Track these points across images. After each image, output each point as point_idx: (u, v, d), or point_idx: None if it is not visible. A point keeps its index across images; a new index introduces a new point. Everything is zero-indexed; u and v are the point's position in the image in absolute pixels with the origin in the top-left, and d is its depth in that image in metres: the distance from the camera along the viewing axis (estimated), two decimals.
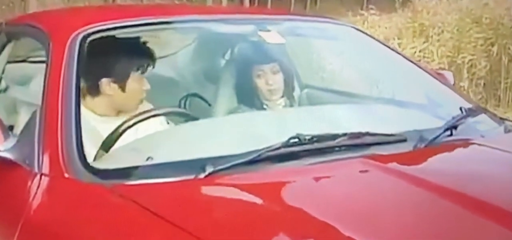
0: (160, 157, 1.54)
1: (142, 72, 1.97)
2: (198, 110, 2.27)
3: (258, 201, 1.43)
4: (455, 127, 1.78)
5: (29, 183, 1.50)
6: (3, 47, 2.20)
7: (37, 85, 1.86)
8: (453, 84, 2.33)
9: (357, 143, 1.63)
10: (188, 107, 2.42)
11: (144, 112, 1.81)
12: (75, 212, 1.42)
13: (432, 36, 5.77)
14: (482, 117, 1.95)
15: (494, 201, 1.37)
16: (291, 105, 2.29)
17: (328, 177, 1.56)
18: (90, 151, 1.62)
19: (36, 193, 1.47)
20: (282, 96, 2.29)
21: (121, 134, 1.70)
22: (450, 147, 1.72)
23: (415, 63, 2.27)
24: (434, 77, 2.17)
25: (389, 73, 2.20)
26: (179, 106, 2.38)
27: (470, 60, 5.53)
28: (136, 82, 1.95)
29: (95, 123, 1.85)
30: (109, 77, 1.92)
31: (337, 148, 1.61)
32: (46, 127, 1.57)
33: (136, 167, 1.51)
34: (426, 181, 1.45)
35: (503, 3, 5.87)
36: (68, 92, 1.62)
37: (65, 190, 1.48)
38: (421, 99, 2.07)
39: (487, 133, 1.85)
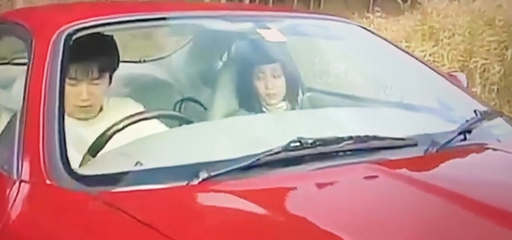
0: (150, 162, 1.51)
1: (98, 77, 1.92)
2: (193, 114, 2.25)
3: (256, 209, 1.40)
4: (469, 131, 1.75)
5: (7, 190, 1.47)
6: None
7: (20, 87, 1.82)
8: (466, 86, 2.29)
9: (364, 147, 1.60)
10: (183, 112, 2.40)
11: (135, 114, 1.79)
12: (57, 221, 1.39)
13: (442, 40, 5.74)
14: (498, 120, 1.92)
15: None
16: (293, 109, 2.27)
17: (332, 183, 1.53)
18: (75, 156, 1.59)
19: (15, 201, 1.44)
20: (284, 100, 2.27)
21: (109, 138, 1.67)
22: (464, 152, 1.70)
23: (425, 64, 2.24)
24: (446, 79, 2.14)
25: (398, 74, 2.17)
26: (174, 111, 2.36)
27: (483, 64, 5.49)
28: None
29: (80, 127, 1.82)
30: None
31: (341, 153, 1.58)
32: (27, 130, 1.54)
33: (123, 173, 1.48)
34: (438, 188, 1.42)
35: None
36: (51, 93, 1.59)
37: (46, 198, 1.45)
38: (432, 101, 2.04)
39: (504, 138, 1.82)
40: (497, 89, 5.59)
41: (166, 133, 1.78)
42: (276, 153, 1.51)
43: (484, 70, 5.49)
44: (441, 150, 1.65)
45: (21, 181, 1.47)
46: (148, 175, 1.46)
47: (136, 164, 1.49)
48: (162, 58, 2.98)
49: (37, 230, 1.39)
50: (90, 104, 1.94)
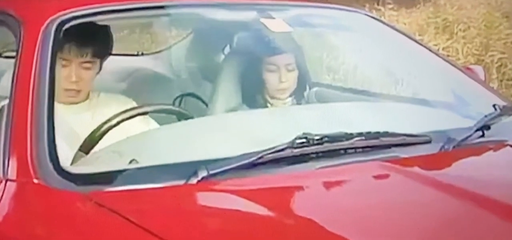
0: (145, 160, 1.49)
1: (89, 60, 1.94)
2: (193, 110, 2.22)
3: (260, 211, 1.37)
4: (488, 127, 1.72)
5: None
6: None
7: (8, 81, 1.79)
8: (484, 80, 2.25)
9: (375, 144, 1.57)
10: (183, 108, 2.37)
11: (130, 109, 1.77)
12: (45, 224, 1.36)
13: (457, 33, 5.70)
14: None
15: None
16: (299, 105, 2.24)
17: (341, 183, 1.50)
18: (67, 153, 1.56)
19: (0, 201, 1.41)
20: (290, 95, 2.24)
21: (103, 135, 1.65)
22: (482, 149, 1.66)
23: (440, 56, 2.21)
24: (463, 72, 2.10)
25: (411, 67, 2.14)
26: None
27: (500, 58, 5.44)
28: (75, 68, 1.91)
29: (65, 114, 1.81)
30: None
31: (351, 150, 1.55)
32: (14, 125, 1.51)
33: (117, 172, 1.45)
34: (455, 188, 1.38)
35: None
36: (40, 86, 1.56)
37: (34, 198, 1.42)
38: (447, 96, 2.01)
39: None
40: None
41: (163, 129, 1.76)
42: (281, 150, 1.49)
43: (501, 65, 5.44)
44: (457, 148, 1.61)
45: (7, 180, 1.45)
46: (144, 174, 1.44)
47: (130, 162, 1.47)
48: (160, 51, 2.98)
49: (25, 232, 1.37)
50: (78, 89, 1.94)
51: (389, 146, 1.57)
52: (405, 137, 1.61)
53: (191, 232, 1.27)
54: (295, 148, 1.50)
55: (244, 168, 1.44)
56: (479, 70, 2.30)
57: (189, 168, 1.42)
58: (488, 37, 5.59)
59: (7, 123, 1.52)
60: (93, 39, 1.93)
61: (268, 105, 2.19)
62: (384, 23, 2.31)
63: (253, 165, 1.45)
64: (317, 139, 1.52)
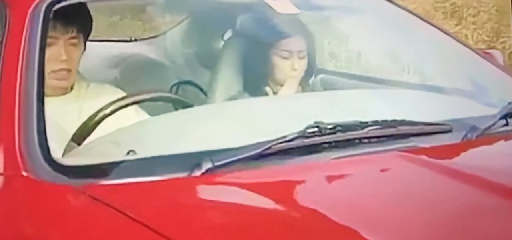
0: (144, 151, 1.45)
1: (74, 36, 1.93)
2: (191, 100, 2.18)
3: (268, 205, 1.34)
4: None
5: None
6: None
7: None
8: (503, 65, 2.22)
9: (391, 133, 1.54)
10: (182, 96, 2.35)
11: (126, 96, 1.74)
12: (35, 219, 1.33)
13: (466, 18, 5.67)
14: None
15: None
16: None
17: (356, 175, 1.46)
18: (57, 144, 1.52)
19: None
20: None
21: (97, 124, 1.62)
22: (508, 138, 1.62)
23: (458, 40, 2.16)
24: (481, 57, 2.07)
25: (427, 52, 2.10)
26: None
27: None
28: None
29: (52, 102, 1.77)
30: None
31: (366, 140, 1.52)
32: (1, 115, 1.47)
33: (113, 163, 1.42)
34: (481, 179, 1.35)
35: None
36: (28, 72, 1.52)
37: (22, 192, 1.39)
38: (466, 82, 1.98)
39: None
40: None
41: (163, 117, 1.73)
42: (291, 140, 1.45)
43: None
44: (480, 137, 1.57)
45: None
46: (142, 166, 1.41)
47: (128, 153, 1.43)
48: (155, 36, 2.95)
49: (13, 229, 1.33)
50: (67, 67, 1.92)
51: (406, 135, 1.54)
52: (424, 126, 1.57)
53: (195, 229, 1.24)
54: (306, 137, 1.47)
55: (252, 159, 1.41)
56: (497, 54, 2.26)
57: (192, 160, 1.39)
58: (499, 22, 5.56)
59: None
60: (75, 15, 1.92)
61: (273, 93, 2.15)
62: (395, 4, 2.27)
63: (261, 156, 1.42)
64: (330, 128, 1.49)
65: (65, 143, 1.60)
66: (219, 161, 1.38)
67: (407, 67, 2.19)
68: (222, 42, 2.65)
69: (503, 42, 5.43)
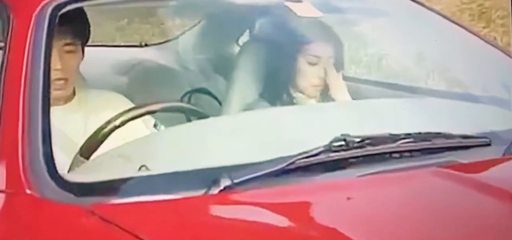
0: (157, 167, 1.43)
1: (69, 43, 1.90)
2: (206, 108, 2.16)
3: (291, 227, 1.32)
4: None
5: None
6: None
7: None
8: None
9: (426, 147, 1.50)
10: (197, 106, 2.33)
11: (137, 106, 1.72)
12: None
13: (494, 20, 5.62)
14: None
15: None
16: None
17: (387, 195, 1.42)
18: (62, 159, 1.49)
19: None
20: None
21: (106, 137, 1.59)
22: None
23: (492, 44, 2.12)
24: None
25: (458, 57, 2.06)
26: None
27: None
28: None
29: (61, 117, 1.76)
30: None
31: (397, 154, 1.48)
32: (2, 126, 1.45)
33: (124, 180, 1.39)
34: None
35: None
36: (33, 81, 1.49)
37: (26, 212, 1.36)
38: (503, 90, 1.92)
39: None
40: None
41: (177, 129, 1.69)
42: (316, 154, 1.42)
43: None
44: None
45: None
46: (156, 183, 1.38)
47: (140, 169, 1.41)
48: (166, 41, 2.94)
49: None
50: (64, 78, 1.88)
51: (442, 149, 1.50)
52: (461, 139, 1.53)
53: None
54: (332, 152, 1.43)
55: (274, 175, 1.38)
56: None
57: (209, 176, 1.36)
58: None
59: None
60: (71, 20, 1.87)
61: (295, 103, 2.11)
62: (422, 5, 2.23)
63: (283, 172, 1.39)
64: (358, 142, 1.45)
65: (71, 157, 1.57)
66: (238, 177, 1.36)
67: (437, 73, 2.16)
68: (238, 48, 2.65)
69: None
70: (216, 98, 2.41)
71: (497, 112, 1.83)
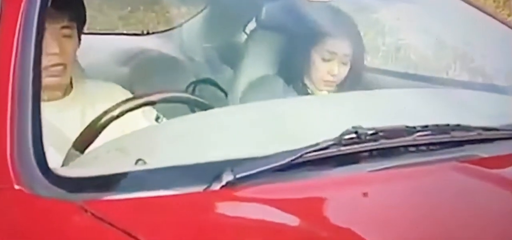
0: (155, 160, 1.41)
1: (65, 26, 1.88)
2: (211, 99, 2.15)
3: (298, 226, 1.30)
4: None
5: None
6: None
7: None
8: None
9: (444, 140, 1.48)
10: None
11: (136, 97, 1.70)
12: None
13: None
14: None
15: None
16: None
17: (402, 191, 1.40)
18: (54, 154, 1.47)
19: None
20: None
21: (102, 129, 1.58)
22: None
23: None
24: None
25: (482, 46, 2.03)
26: None
27: None
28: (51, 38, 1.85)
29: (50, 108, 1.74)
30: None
31: (413, 148, 1.47)
32: None
33: (119, 175, 1.37)
34: None
35: None
36: (23, 67, 1.45)
37: (15, 209, 1.33)
38: None
39: None
40: None
41: (177, 121, 1.68)
42: (325, 148, 1.40)
43: None
44: None
45: None
46: (153, 178, 1.36)
47: (136, 163, 1.39)
48: (170, 29, 2.95)
49: None
50: (63, 63, 1.86)
51: (462, 142, 1.49)
52: (482, 131, 1.51)
53: None
54: (343, 145, 1.41)
55: (279, 170, 1.36)
56: None
57: (210, 171, 1.34)
58: None
59: None
60: (67, 2, 1.87)
61: (304, 94, 2.10)
62: None
63: (290, 167, 1.37)
64: (370, 134, 1.43)
65: (65, 150, 1.55)
66: (241, 172, 1.33)
67: (460, 63, 2.13)
68: (245, 36, 2.65)
69: None
70: (222, 89, 2.42)
71: None
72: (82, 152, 1.54)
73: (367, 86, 2.28)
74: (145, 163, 1.39)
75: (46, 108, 1.54)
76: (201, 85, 2.46)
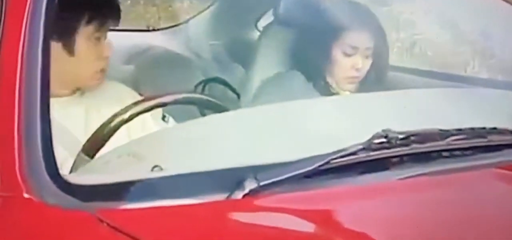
0: (172, 167, 1.38)
1: (98, 29, 1.92)
2: (222, 100, 2.13)
3: (326, 236, 1.27)
4: None
5: None
6: None
7: None
8: None
9: (480, 144, 1.47)
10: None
11: (148, 98, 1.69)
12: None
13: None
14: None
15: None
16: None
17: (438, 200, 1.37)
18: (62, 158, 1.46)
19: None
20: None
21: (113, 132, 1.57)
22: None
23: None
24: None
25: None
26: None
27: None
28: (90, 43, 1.90)
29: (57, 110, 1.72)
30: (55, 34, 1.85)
31: (447, 153, 1.44)
32: None
33: (135, 182, 1.35)
34: None
35: None
36: (31, 66, 1.42)
37: (24, 218, 1.31)
38: None
39: None
40: None
41: (194, 124, 1.65)
42: (353, 153, 1.38)
43: None
44: None
45: None
46: (171, 186, 1.33)
47: (153, 169, 1.36)
48: (176, 25, 2.93)
49: None
50: (105, 67, 1.93)
51: (499, 147, 1.47)
52: None
53: None
54: (373, 150, 1.40)
55: (305, 177, 1.34)
56: None
57: (232, 178, 1.32)
58: None
59: None
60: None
61: (326, 94, 2.09)
62: None
63: (317, 174, 1.35)
64: (402, 138, 1.41)
65: (73, 156, 1.54)
66: (265, 179, 1.31)
67: (491, 60, 2.12)
68: (257, 32, 2.64)
69: None
70: (233, 89, 2.40)
71: None
72: (91, 157, 1.52)
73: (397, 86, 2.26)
74: (162, 169, 1.36)
75: (53, 106, 1.53)
76: (211, 85, 2.44)
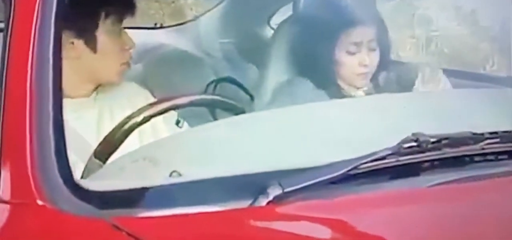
0: (192, 172, 1.38)
1: (117, 22, 1.97)
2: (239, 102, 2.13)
3: None
4: None
5: None
6: None
7: None
8: None
9: None
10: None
11: (162, 100, 1.68)
12: None
13: None
14: None
15: None
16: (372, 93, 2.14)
17: (472, 208, 1.36)
18: (75, 163, 1.44)
19: None
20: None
21: (126, 135, 1.57)
22: None
23: None
24: None
25: None
26: None
27: None
28: (112, 37, 1.94)
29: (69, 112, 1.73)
30: (72, 31, 1.89)
31: (481, 158, 1.44)
32: (6, 124, 1.39)
33: (153, 188, 1.35)
34: None
35: None
36: (41, 67, 1.42)
37: (37, 226, 1.31)
38: None
39: None
40: None
41: (213, 127, 1.65)
42: (382, 158, 1.37)
43: None
44: None
45: None
46: (190, 192, 1.33)
47: (171, 175, 1.36)
48: (185, 22, 2.93)
49: None
50: (129, 61, 2.00)
51: None
52: None
53: None
54: (403, 154, 1.39)
55: (331, 183, 1.33)
56: None
57: (255, 184, 1.31)
58: None
59: None
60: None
61: (344, 93, 2.08)
62: None
63: (344, 179, 1.34)
64: (433, 142, 1.40)
65: (84, 160, 1.53)
66: (290, 185, 1.30)
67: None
68: (270, 30, 2.63)
69: None
70: (245, 90, 2.39)
71: None
72: (104, 162, 1.52)
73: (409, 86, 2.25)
74: (180, 175, 1.36)
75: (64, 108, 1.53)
76: (222, 85, 2.44)
